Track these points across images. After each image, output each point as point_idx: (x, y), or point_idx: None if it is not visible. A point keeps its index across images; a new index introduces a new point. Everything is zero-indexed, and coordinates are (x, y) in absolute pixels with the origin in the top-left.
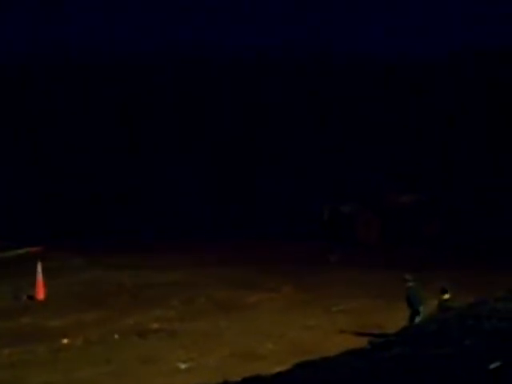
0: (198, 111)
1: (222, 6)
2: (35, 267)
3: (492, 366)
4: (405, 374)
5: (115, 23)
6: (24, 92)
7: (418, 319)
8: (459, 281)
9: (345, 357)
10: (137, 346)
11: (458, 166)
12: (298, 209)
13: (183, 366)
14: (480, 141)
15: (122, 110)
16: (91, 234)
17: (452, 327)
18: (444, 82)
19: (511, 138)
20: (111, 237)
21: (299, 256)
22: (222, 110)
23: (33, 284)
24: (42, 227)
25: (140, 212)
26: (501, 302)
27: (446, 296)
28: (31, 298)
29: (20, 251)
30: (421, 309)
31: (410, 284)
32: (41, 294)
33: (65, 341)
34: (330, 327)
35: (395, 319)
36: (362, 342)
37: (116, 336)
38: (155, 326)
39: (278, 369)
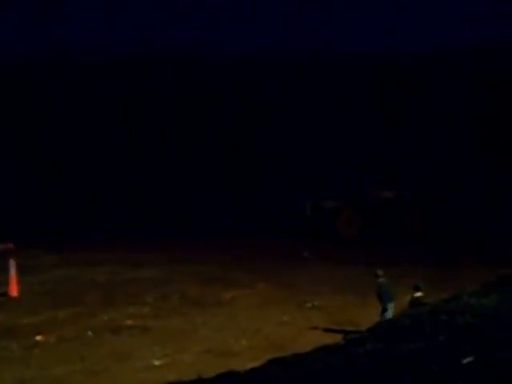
0: (197, 111)
1: (222, 6)
2: (8, 264)
3: (465, 360)
4: (378, 369)
5: (115, 23)
6: (24, 92)
7: (387, 315)
8: (434, 277)
9: (318, 353)
10: (111, 342)
11: (454, 164)
12: (278, 206)
13: (157, 363)
14: (478, 140)
15: (121, 110)
16: (65, 231)
17: (425, 322)
18: (443, 81)
19: (509, 136)
20: (83, 234)
21: (274, 252)
22: (221, 110)
23: (6, 281)
24: (15, 225)
25: (117, 209)
26: (474, 298)
27: (419, 294)
28: (4, 294)
29: None
30: (390, 305)
31: (381, 280)
32: (14, 290)
33: (38, 338)
34: (304, 323)
35: (369, 315)
36: (335, 338)
37: (90, 333)
38: (129, 322)
39: (252, 365)
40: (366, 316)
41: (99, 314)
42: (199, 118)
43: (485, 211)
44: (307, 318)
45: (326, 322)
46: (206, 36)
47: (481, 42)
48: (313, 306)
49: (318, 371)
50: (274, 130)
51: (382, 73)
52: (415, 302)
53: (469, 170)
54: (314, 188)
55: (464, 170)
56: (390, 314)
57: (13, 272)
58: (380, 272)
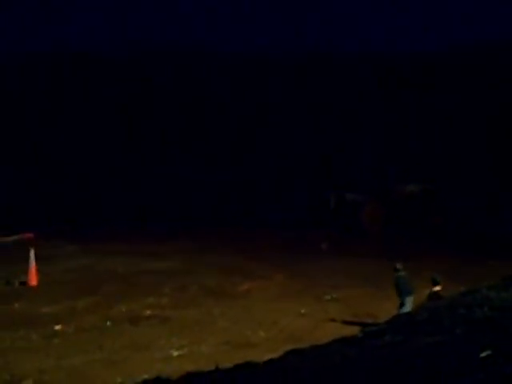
0: (197, 110)
1: (222, 6)
2: (28, 254)
3: (483, 354)
4: (396, 361)
5: (115, 23)
6: (24, 92)
7: (405, 309)
8: (454, 271)
9: (336, 345)
10: (129, 332)
11: (459, 161)
12: (298, 198)
13: (175, 353)
14: (481, 138)
15: (122, 110)
16: (85, 222)
17: (443, 316)
18: (445, 79)
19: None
20: (104, 224)
21: (293, 244)
22: (222, 109)
23: (26, 270)
24: (36, 215)
25: (134, 201)
26: (493, 291)
27: (437, 287)
28: (24, 284)
29: (13, 238)
30: (409, 298)
31: (400, 273)
32: (33, 280)
33: (57, 327)
34: (322, 315)
35: (387, 308)
36: (353, 331)
37: (108, 323)
38: (147, 313)
39: (269, 356)
40: (385, 309)
41: (118, 304)
42: (199, 117)
43: (485, 211)
44: (325, 310)
45: (344, 315)
46: (206, 36)
47: (481, 42)
48: (331, 299)
49: (335, 363)
50: (273, 129)
51: (382, 73)
52: (433, 296)
53: (469, 169)
54: (338, 181)
55: (464, 168)
56: (408, 307)
57: (32, 262)
58: (399, 265)
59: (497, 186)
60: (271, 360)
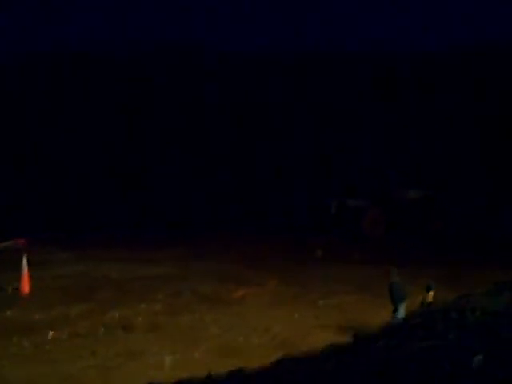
0: (197, 110)
1: (222, 6)
2: (21, 260)
3: (475, 358)
4: (389, 366)
5: (115, 23)
6: (24, 92)
7: (398, 315)
8: (452, 277)
9: (329, 350)
10: (122, 339)
11: (459, 163)
12: (298, 202)
13: (168, 360)
14: (481, 139)
15: (122, 110)
16: (77, 227)
17: (436, 321)
18: (445, 79)
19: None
20: (101, 230)
21: (287, 250)
22: (221, 109)
23: (18, 277)
24: (31, 220)
25: (126, 207)
26: (486, 296)
27: (431, 293)
28: (16, 290)
29: (5, 244)
30: (402, 305)
31: (394, 279)
32: (26, 286)
33: (50, 334)
34: (316, 322)
35: (382, 315)
36: (347, 337)
37: (102, 329)
38: (141, 319)
39: (262, 363)
40: (379, 315)
41: (111, 311)
42: (199, 117)
43: (487, 212)
44: (318, 316)
45: (337, 321)
46: (206, 36)
47: (481, 42)
48: (325, 305)
49: (328, 369)
50: (273, 129)
51: (382, 73)
52: (426, 302)
53: (469, 171)
54: (337, 184)
55: (464, 170)
56: (401, 313)
57: (25, 268)
58: (393, 271)
59: (497, 189)
60: (264, 367)
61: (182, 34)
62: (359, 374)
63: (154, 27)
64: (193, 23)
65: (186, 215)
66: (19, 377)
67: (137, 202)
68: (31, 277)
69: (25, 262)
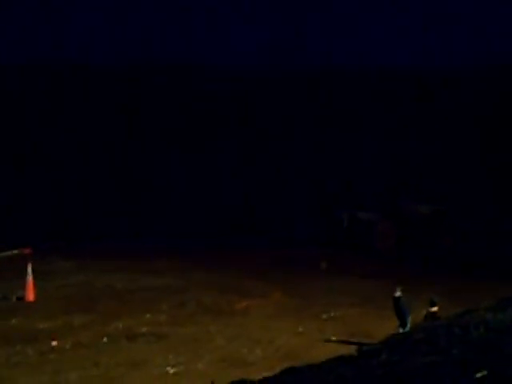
0: (199, 123)
1: (222, 7)
2: (25, 269)
3: (478, 375)
4: (391, 381)
5: (115, 24)
6: (24, 92)
7: (406, 329)
8: (458, 293)
9: (332, 363)
10: (126, 349)
11: (468, 179)
12: (303, 214)
13: (172, 371)
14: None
15: (121, 112)
16: (81, 238)
17: (440, 336)
18: (456, 93)
19: None
20: (97, 240)
21: (292, 263)
22: (224, 122)
23: (23, 286)
24: (33, 230)
25: (130, 217)
26: (490, 312)
27: (435, 308)
28: (21, 299)
29: (10, 253)
30: (407, 320)
31: (398, 294)
32: (31, 295)
33: (53, 343)
34: (319, 334)
35: (384, 328)
36: (350, 350)
37: (105, 339)
38: (144, 329)
39: (265, 374)
40: (382, 329)
41: (115, 321)
42: (201, 130)
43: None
44: (322, 329)
45: (340, 334)
46: (205, 50)
47: (480, 55)
48: (328, 318)
49: (330, 382)
50: (276, 142)
51: (385, 87)
52: (430, 317)
53: (478, 187)
54: (344, 197)
55: (473, 186)
56: (406, 329)
57: (30, 277)
58: (398, 287)
59: (503, 201)
60: (266, 378)
61: (182, 47)
62: None
63: (153, 39)
64: (193, 36)
65: (186, 225)
66: None
67: (136, 211)
68: (36, 286)
69: (30, 270)
